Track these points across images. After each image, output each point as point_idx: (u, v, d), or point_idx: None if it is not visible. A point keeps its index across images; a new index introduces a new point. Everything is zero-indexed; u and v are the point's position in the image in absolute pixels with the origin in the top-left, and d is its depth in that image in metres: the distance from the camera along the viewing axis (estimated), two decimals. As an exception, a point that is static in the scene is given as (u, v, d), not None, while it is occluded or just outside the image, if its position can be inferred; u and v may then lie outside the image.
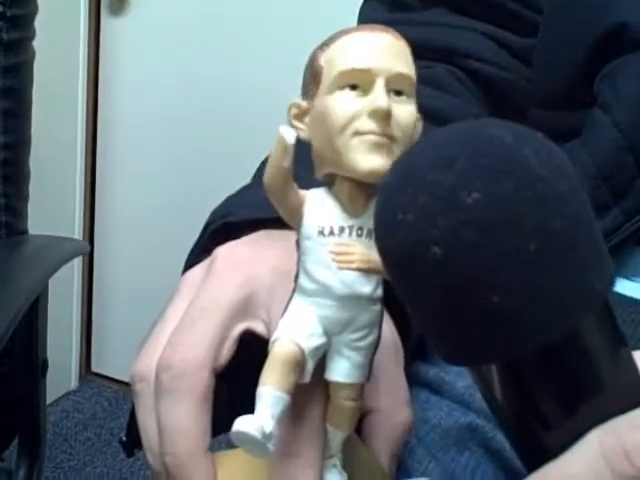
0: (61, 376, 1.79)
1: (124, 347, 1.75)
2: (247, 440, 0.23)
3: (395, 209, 0.21)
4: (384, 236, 0.22)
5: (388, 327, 0.31)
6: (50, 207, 1.61)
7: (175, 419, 0.27)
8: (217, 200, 0.38)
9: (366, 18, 0.56)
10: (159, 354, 0.29)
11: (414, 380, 0.37)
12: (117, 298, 1.87)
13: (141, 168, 1.79)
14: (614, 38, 0.44)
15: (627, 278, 0.45)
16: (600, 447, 0.20)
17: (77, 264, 1.78)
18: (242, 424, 0.23)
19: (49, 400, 1.70)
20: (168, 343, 0.29)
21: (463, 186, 0.20)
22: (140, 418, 0.29)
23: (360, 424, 0.29)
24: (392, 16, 0.54)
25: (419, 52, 0.52)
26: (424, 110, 0.47)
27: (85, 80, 1.74)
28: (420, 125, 0.27)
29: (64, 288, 1.74)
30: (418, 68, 0.54)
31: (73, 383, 1.85)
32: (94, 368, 1.91)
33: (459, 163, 0.20)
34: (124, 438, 0.34)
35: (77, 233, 1.79)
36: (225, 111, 1.66)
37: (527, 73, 0.52)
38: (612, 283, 0.22)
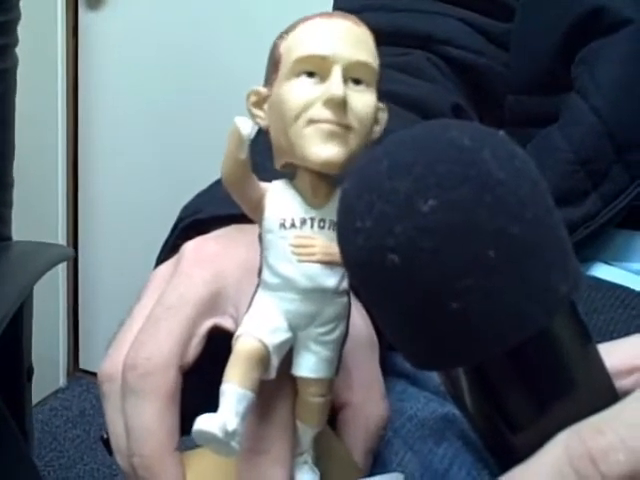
0: (49, 374, 1.79)
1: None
2: (209, 439, 0.22)
3: (353, 216, 0.21)
4: (343, 243, 0.22)
5: (362, 319, 0.30)
6: (33, 212, 1.60)
7: (141, 419, 0.27)
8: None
9: (341, 4, 0.55)
10: (125, 353, 0.28)
11: (391, 371, 0.36)
12: (103, 295, 1.86)
13: (123, 166, 1.78)
14: (591, 21, 0.44)
15: (606, 262, 0.45)
16: (566, 451, 0.20)
17: (62, 263, 1.77)
18: (203, 422, 0.22)
19: (37, 399, 1.70)
20: (134, 342, 0.28)
21: (419, 193, 0.20)
22: (108, 419, 0.29)
23: (334, 418, 0.29)
24: (367, 2, 0.53)
25: (395, 39, 0.52)
26: (401, 97, 0.47)
27: (64, 79, 1.72)
28: (383, 116, 0.26)
29: (50, 286, 1.73)
30: (395, 55, 0.54)
31: (61, 381, 1.84)
32: (82, 365, 1.90)
33: (416, 169, 0.20)
34: (105, 436, 0.34)
35: (61, 236, 1.78)
36: (207, 104, 1.65)
37: (505, 58, 0.51)
38: (578, 285, 0.21)
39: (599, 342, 0.26)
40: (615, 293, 0.40)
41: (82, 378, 1.87)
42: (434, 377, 0.36)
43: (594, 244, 0.44)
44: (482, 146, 0.21)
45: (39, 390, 1.71)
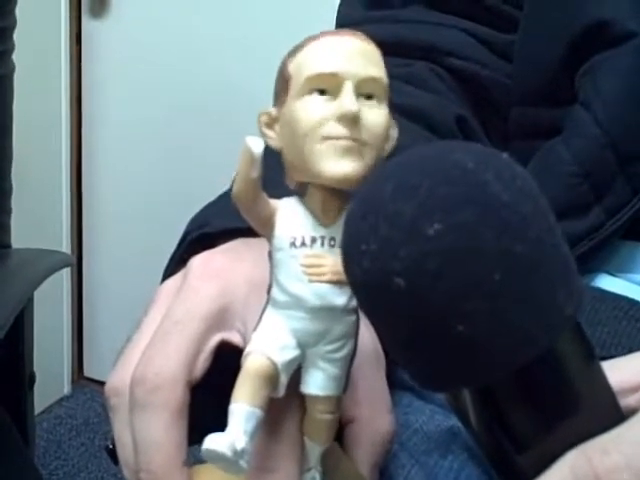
0: (53, 382, 1.79)
1: (116, 350, 1.74)
2: (218, 458, 0.22)
3: (358, 239, 0.21)
4: (349, 265, 0.22)
5: (369, 333, 0.30)
6: (37, 219, 1.60)
7: (150, 434, 0.27)
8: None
9: (344, 16, 0.55)
10: (134, 367, 0.28)
11: (397, 384, 0.36)
12: (107, 302, 1.86)
13: (126, 173, 1.78)
14: (594, 34, 0.44)
15: (610, 274, 0.45)
16: (572, 471, 0.20)
17: (66, 270, 1.77)
18: (212, 442, 0.22)
19: (42, 407, 1.70)
20: (142, 356, 0.28)
21: (424, 216, 0.20)
22: (116, 433, 0.29)
23: (341, 433, 0.29)
24: (370, 13, 0.54)
25: (399, 50, 0.52)
26: (405, 109, 0.47)
27: (68, 86, 1.72)
28: (394, 133, 0.26)
29: (54, 294, 1.73)
30: (398, 66, 0.54)
31: (66, 389, 1.84)
32: (86, 373, 1.90)
33: (420, 193, 0.20)
34: (110, 446, 0.34)
35: (65, 244, 1.78)
36: (209, 112, 1.65)
37: (508, 70, 0.51)
38: (582, 303, 0.21)
39: (603, 355, 0.26)
40: (619, 305, 0.40)
41: (87, 386, 1.86)
42: (440, 390, 0.36)
43: (598, 255, 0.44)
44: (485, 168, 0.21)
45: (43, 398, 1.70)
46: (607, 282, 0.44)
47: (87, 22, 1.74)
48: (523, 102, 0.49)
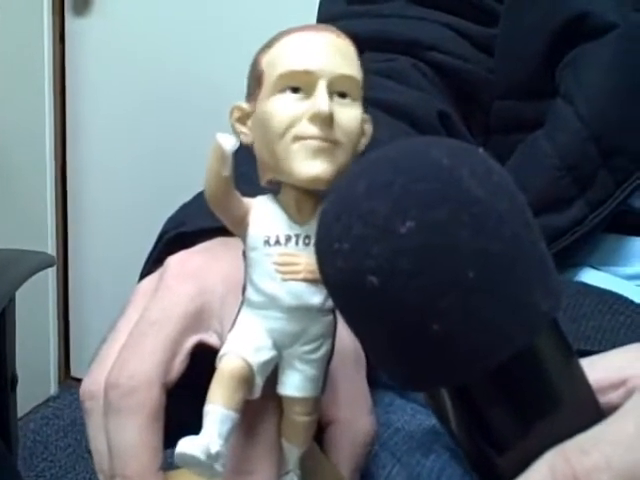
0: (40, 383, 1.77)
1: (104, 350, 1.73)
2: (192, 462, 0.22)
3: (331, 238, 0.21)
4: (323, 265, 0.22)
5: (348, 333, 0.30)
6: (22, 220, 1.59)
7: (124, 439, 0.26)
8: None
9: (325, 11, 0.55)
10: (108, 370, 0.28)
11: (378, 382, 0.36)
12: (93, 302, 1.85)
13: (111, 171, 1.77)
14: (576, 26, 0.44)
15: (594, 267, 0.45)
16: (550, 472, 0.20)
17: (52, 271, 1.76)
18: (185, 445, 0.22)
19: (28, 408, 1.69)
20: (117, 358, 0.28)
21: (397, 214, 0.20)
22: (90, 437, 0.28)
23: (321, 435, 0.28)
24: (351, 8, 0.53)
25: (380, 45, 0.51)
26: (387, 105, 0.46)
27: (51, 84, 1.71)
28: (369, 128, 0.26)
29: (39, 294, 1.72)
30: (380, 61, 0.53)
31: (52, 389, 1.83)
32: (73, 373, 1.89)
33: (393, 190, 0.20)
34: None
35: (50, 244, 1.76)
36: (195, 110, 1.64)
37: (490, 64, 0.51)
38: (559, 301, 0.21)
39: (587, 349, 0.26)
40: (603, 299, 0.40)
41: (73, 386, 1.85)
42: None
43: (582, 249, 0.44)
44: (460, 164, 0.20)
45: (30, 399, 1.69)
46: (591, 276, 0.44)
47: (70, 20, 1.73)
48: (505, 96, 0.49)
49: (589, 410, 0.22)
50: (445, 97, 0.51)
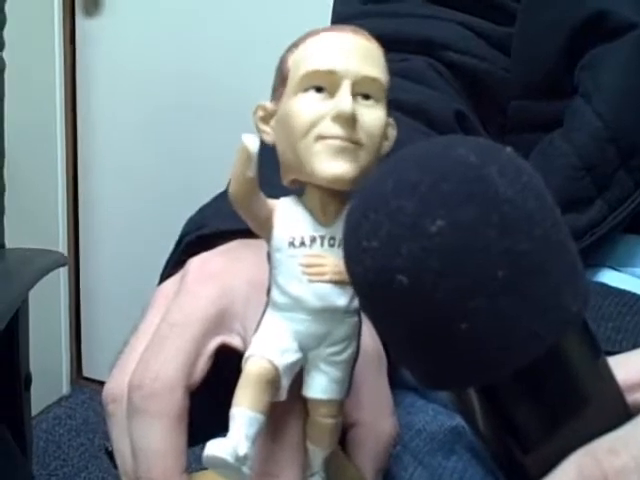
0: (52, 383, 1.78)
1: (115, 350, 1.74)
2: (220, 464, 0.22)
3: (359, 236, 0.21)
4: (350, 263, 0.21)
5: (369, 333, 0.30)
6: (33, 219, 1.60)
7: (149, 441, 0.26)
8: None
9: (339, 11, 0.55)
10: (131, 373, 0.28)
11: (399, 384, 0.36)
12: (105, 302, 1.86)
13: (122, 172, 1.78)
14: (594, 25, 0.44)
15: (613, 268, 0.45)
16: (579, 472, 0.20)
17: (64, 270, 1.76)
18: (214, 448, 0.22)
19: (41, 407, 1.70)
20: (140, 361, 0.28)
21: (426, 213, 0.20)
22: (114, 439, 0.28)
23: (344, 437, 0.28)
24: (366, 8, 0.53)
25: (396, 45, 0.51)
26: (403, 105, 0.46)
27: (62, 85, 1.72)
28: (393, 132, 0.26)
29: (51, 294, 1.73)
30: (395, 61, 0.53)
31: (65, 389, 1.84)
32: (85, 373, 1.89)
33: (422, 189, 0.20)
34: (109, 447, 0.34)
35: (61, 243, 1.77)
36: (204, 110, 1.64)
37: (506, 63, 0.51)
38: (587, 301, 0.21)
39: (608, 350, 0.26)
40: (623, 299, 0.40)
41: (85, 386, 1.86)
42: (443, 389, 0.36)
43: (600, 250, 0.43)
44: (488, 163, 0.20)
45: (42, 398, 1.70)
46: (610, 277, 0.44)
47: (81, 21, 1.73)
48: (522, 95, 0.49)
49: (617, 410, 0.21)
50: (461, 97, 0.50)
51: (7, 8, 0.95)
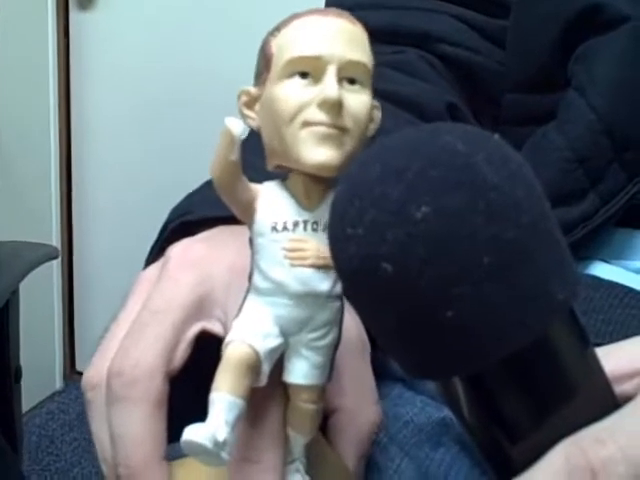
0: (45, 377, 1.78)
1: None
2: (198, 450, 0.22)
3: (344, 223, 0.20)
4: (335, 250, 0.21)
5: (354, 321, 0.30)
6: (26, 213, 1.59)
7: (128, 428, 0.26)
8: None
9: (333, 2, 0.54)
10: (111, 359, 0.27)
11: (387, 375, 0.36)
12: (98, 296, 1.86)
13: (116, 165, 1.78)
14: (588, 18, 0.44)
15: (604, 261, 0.44)
16: (566, 462, 0.19)
17: (56, 264, 1.76)
18: (192, 433, 0.21)
19: (34, 402, 1.69)
20: (119, 348, 0.28)
21: (412, 199, 0.19)
22: (93, 427, 0.28)
23: (325, 424, 0.28)
24: (360, 0, 0.53)
25: (389, 37, 0.51)
26: (396, 97, 0.46)
27: (56, 79, 1.71)
28: (378, 114, 0.26)
29: (44, 288, 1.72)
30: (389, 53, 0.53)
31: (58, 384, 1.83)
32: (78, 367, 1.89)
33: (408, 175, 0.20)
34: None
35: (55, 237, 1.77)
36: (198, 104, 1.64)
37: (500, 56, 0.51)
38: (575, 291, 0.21)
39: (598, 343, 0.26)
40: (614, 292, 0.39)
41: (78, 381, 1.84)
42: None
43: (593, 243, 0.43)
44: (476, 150, 0.20)
45: (35, 393, 1.70)
46: (602, 270, 0.44)
47: (75, 14, 1.73)
48: (516, 89, 0.48)
49: (605, 400, 0.21)
50: (454, 89, 0.50)
51: (0, 2, 0.94)
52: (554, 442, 0.20)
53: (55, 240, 1.77)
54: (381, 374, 0.31)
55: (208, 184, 0.37)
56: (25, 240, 0.95)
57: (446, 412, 0.34)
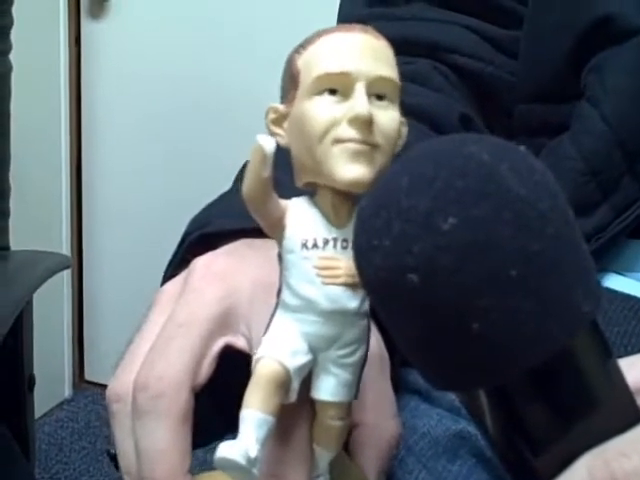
0: (54, 386, 1.78)
1: (117, 353, 1.73)
2: (231, 466, 0.22)
3: (370, 235, 0.20)
4: (361, 262, 0.21)
5: (373, 336, 0.30)
6: (37, 221, 1.60)
7: (153, 442, 0.26)
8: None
9: (345, 13, 0.55)
10: (135, 372, 0.28)
11: (404, 387, 0.36)
12: (108, 305, 1.86)
13: (127, 173, 1.78)
14: (600, 29, 0.44)
15: (619, 273, 0.44)
16: (588, 475, 0.19)
17: (67, 273, 1.76)
18: (226, 450, 0.22)
19: (43, 410, 1.69)
20: (145, 361, 0.28)
21: (439, 211, 0.19)
22: (117, 440, 0.28)
23: (347, 438, 0.28)
24: (372, 11, 0.53)
25: (401, 48, 0.51)
26: (408, 108, 0.46)
27: (67, 87, 1.72)
28: (405, 130, 0.26)
29: (54, 296, 1.72)
30: (400, 64, 0.53)
31: (67, 392, 1.83)
32: (87, 376, 1.89)
33: (434, 186, 0.20)
34: (112, 450, 0.33)
35: (65, 246, 1.77)
36: (208, 113, 1.65)
37: (512, 66, 0.51)
38: (599, 302, 0.21)
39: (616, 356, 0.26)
40: (629, 304, 0.40)
41: (88, 389, 1.86)
42: (447, 394, 0.36)
43: (606, 255, 0.43)
44: (501, 161, 0.20)
45: (44, 402, 1.70)
46: (616, 282, 0.44)
47: (86, 23, 1.73)
48: (528, 99, 0.49)
49: (628, 412, 0.21)
50: (467, 100, 0.50)
51: (13, 11, 0.95)
52: (577, 454, 0.20)
53: (65, 249, 1.77)
54: (398, 387, 0.31)
55: (226, 195, 0.37)
56: (35, 249, 0.95)
57: (463, 425, 0.34)
